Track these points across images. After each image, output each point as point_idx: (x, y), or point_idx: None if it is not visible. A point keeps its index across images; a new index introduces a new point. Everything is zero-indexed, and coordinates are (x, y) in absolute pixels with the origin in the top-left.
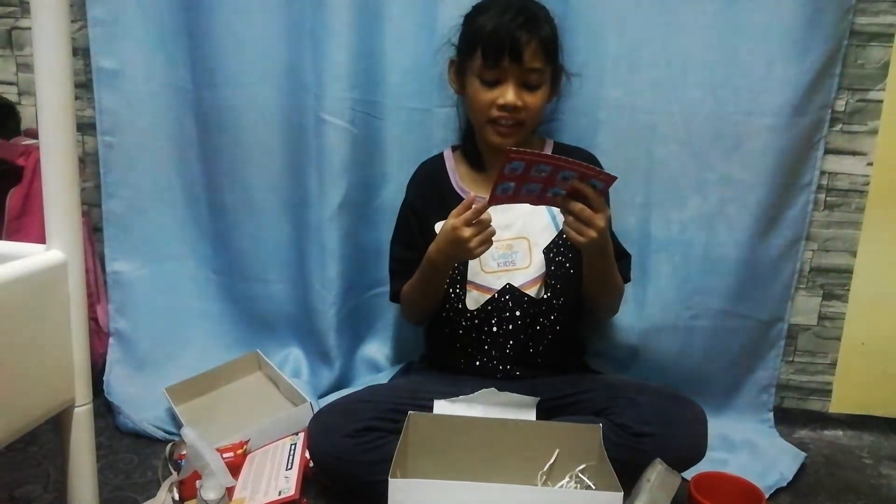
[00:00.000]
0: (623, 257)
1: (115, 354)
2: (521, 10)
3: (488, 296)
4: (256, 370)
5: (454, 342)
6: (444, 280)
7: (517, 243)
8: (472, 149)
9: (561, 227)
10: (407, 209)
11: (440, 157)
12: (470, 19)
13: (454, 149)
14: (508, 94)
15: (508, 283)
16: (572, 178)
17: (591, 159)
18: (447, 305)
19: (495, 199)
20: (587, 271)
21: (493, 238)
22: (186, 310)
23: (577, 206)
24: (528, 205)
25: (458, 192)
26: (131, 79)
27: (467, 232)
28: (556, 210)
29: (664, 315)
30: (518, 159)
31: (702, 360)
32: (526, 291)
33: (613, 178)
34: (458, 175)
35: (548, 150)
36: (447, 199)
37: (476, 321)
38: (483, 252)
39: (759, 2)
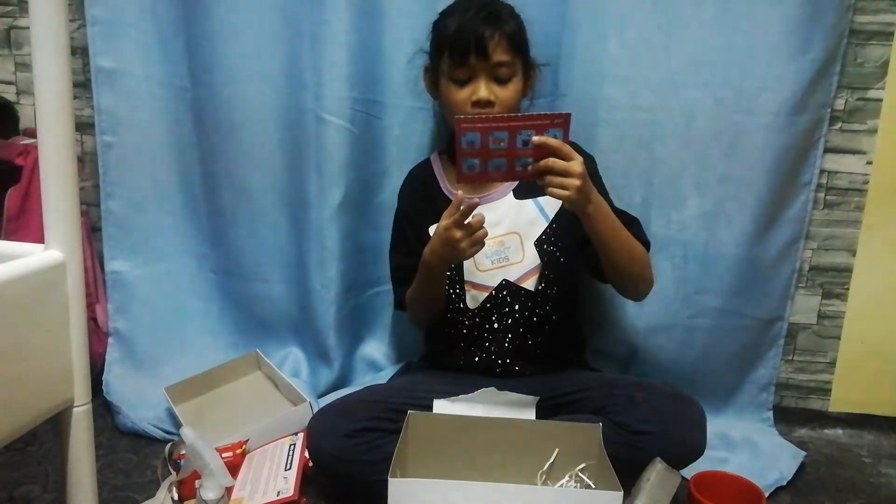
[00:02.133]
0: (631, 223)
1: (114, 354)
2: (482, 7)
3: (486, 293)
4: (256, 370)
5: (455, 341)
6: (443, 281)
7: (508, 239)
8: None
9: (551, 218)
10: (400, 216)
11: (427, 162)
12: (436, 24)
13: (440, 153)
14: (480, 90)
15: (504, 279)
16: (530, 137)
17: (574, 146)
18: (448, 307)
19: (464, 177)
20: (596, 239)
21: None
22: (185, 309)
23: (549, 161)
24: (514, 199)
25: (448, 194)
26: (130, 78)
27: (458, 233)
28: (543, 201)
29: (664, 314)
30: (470, 129)
31: (701, 358)
32: (522, 285)
33: (567, 115)
34: (446, 178)
35: None
36: (438, 203)
37: (477, 319)
38: (475, 252)
39: (759, 0)
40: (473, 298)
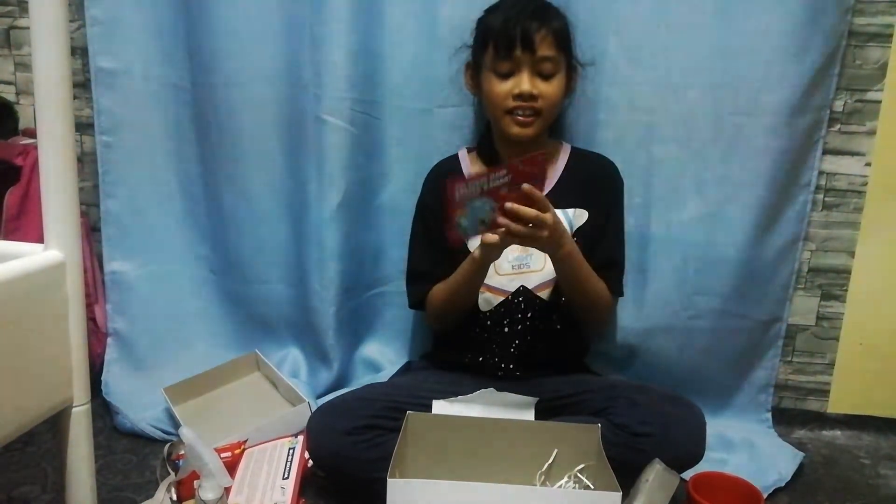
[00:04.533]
0: (615, 269)
1: (113, 354)
2: (530, 3)
3: (502, 298)
4: (255, 370)
5: (462, 341)
6: (482, 279)
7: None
8: (488, 149)
9: (576, 227)
10: (422, 208)
11: (455, 157)
12: (482, 19)
13: (469, 150)
14: (523, 83)
15: (522, 286)
16: (508, 187)
17: (611, 167)
18: None
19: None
20: (561, 279)
21: None
22: (185, 310)
23: (519, 210)
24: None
25: None
26: (130, 78)
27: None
28: (572, 214)
29: (663, 315)
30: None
31: (700, 359)
32: (539, 294)
33: (540, 155)
34: (473, 173)
35: (564, 156)
36: None
37: (488, 322)
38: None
39: (758, 2)
40: (487, 301)
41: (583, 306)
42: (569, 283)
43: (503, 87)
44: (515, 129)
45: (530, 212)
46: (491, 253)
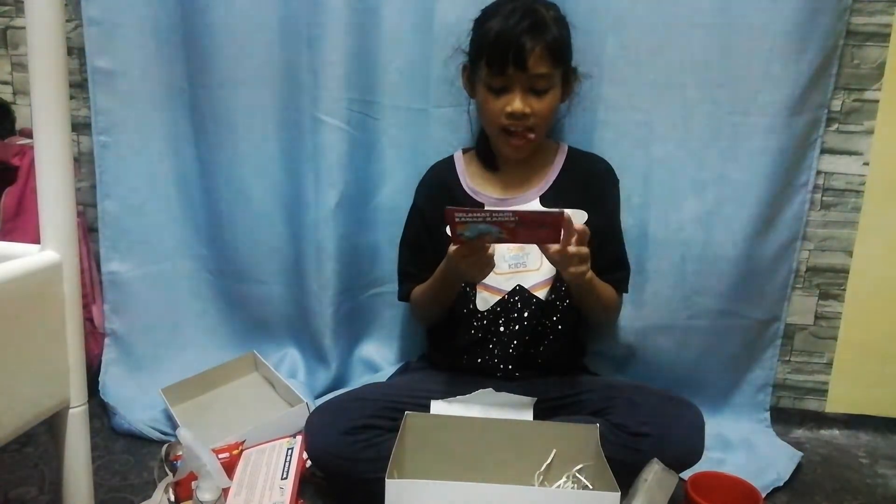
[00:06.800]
0: (622, 269)
1: (110, 355)
2: (526, 13)
3: (498, 297)
4: (253, 371)
5: (460, 342)
6: (454, 293)
7: (529, 245)
8: (485, 150)
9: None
10: (415, 212)
11: (450, 159)
12: (477, 25)
13: (465, 151)
14: (515, 102)
15: (519, 285)
16: (516, 224)
17: (606, 167)
18: (457, 306)
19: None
20: (576, 295)
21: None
22: (182, 310)
23: (578, 250)
24: (540, 207)
25: (469, 193)
26: (127, 78)
27: (455, 252)
28: (570, 213)
29: (662, 314)
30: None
31: (699, 359)
32: (535, 293)
33: (560, 214)
34: (469, 176)
35: (561, 157)
36: (457, 201)
37: (485, 322)
38: (481, 277)
39: (757, 2)
40: (484, 301)
41: (596, 314)
42: (588, 301)
43: (496, 105)
44: (507, 151)
45: (572, 248)
46: (460, 277)
